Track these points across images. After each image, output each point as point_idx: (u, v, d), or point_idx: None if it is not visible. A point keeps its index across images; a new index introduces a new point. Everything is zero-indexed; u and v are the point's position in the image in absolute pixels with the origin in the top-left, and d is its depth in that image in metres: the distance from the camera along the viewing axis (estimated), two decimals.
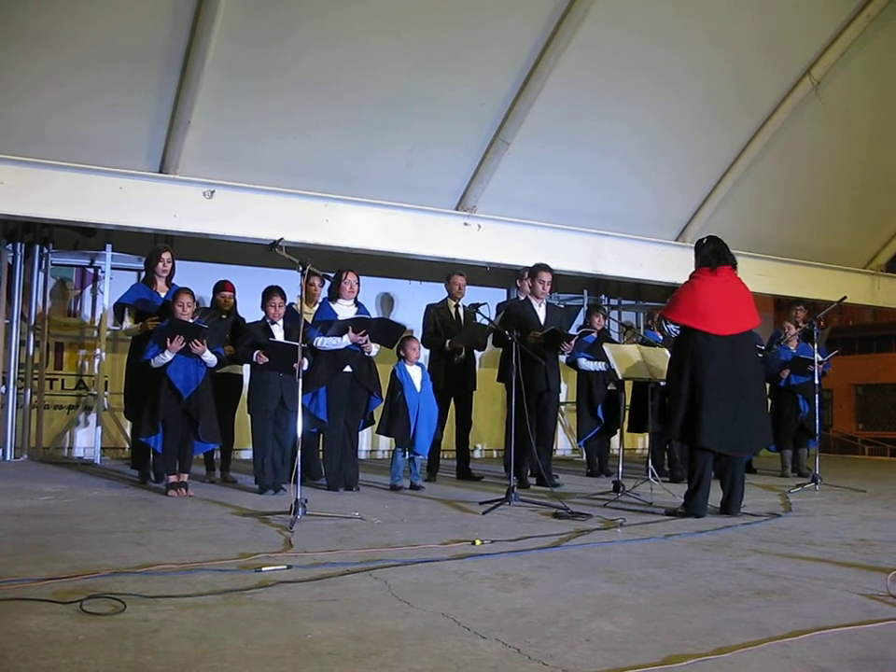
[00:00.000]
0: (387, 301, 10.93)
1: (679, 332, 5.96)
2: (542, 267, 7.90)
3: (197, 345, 6.34)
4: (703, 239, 6.20)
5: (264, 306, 6.85)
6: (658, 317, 6.12)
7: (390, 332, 7.12)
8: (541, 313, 7.84)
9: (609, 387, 8.68)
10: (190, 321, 6.49)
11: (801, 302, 10.18)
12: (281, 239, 5.61)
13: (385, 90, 8.31)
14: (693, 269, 6.16)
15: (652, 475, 7.25)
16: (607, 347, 7.45)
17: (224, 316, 7.29)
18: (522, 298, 8.31)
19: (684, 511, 5.92)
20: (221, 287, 7.52)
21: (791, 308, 10.11)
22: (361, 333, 6.76)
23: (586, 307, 11.40)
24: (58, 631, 2.81)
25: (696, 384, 5.79)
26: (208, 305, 7.96)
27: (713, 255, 6.00)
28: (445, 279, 8.50)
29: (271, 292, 6.87)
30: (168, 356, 6.28)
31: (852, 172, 11.12)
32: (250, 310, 7.35)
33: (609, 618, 3.14)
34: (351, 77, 8.08)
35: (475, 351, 8.39)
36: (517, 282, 8.69)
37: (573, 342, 7.75)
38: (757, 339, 9.40)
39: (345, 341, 6.75)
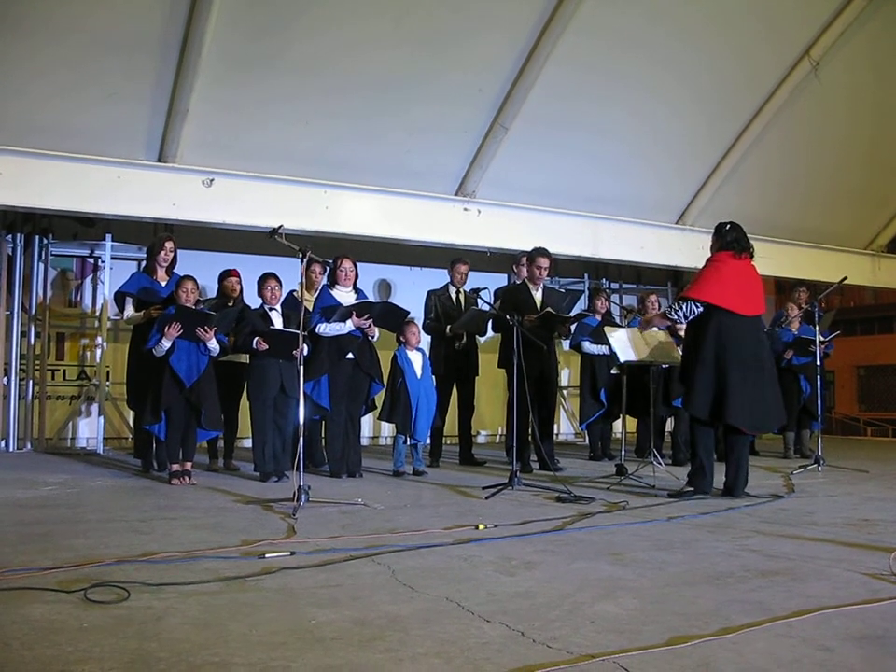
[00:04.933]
0: (385, 287, 10.92)
1: (699, 314, 5.98)
2: (540, 252, 7.88)
3: (205, 332, 6.35)
4: (726, 224, 6.21)
5: (260, 292, 6.88)
6: (680, 298, 6.13)
7: (393, 316, 7.12)
8: (538, 297, 7.83)
9: (612, 371, 8.67)
10: (195, 308, 6.50)
11: (803, 284, 10.14)
12: (281, 226, 5.59)
13: (384, 76, 8.27)
14: (711, 252, 6.22)
15: (655, 458, 7.25)
16: (608, 331, 7.44)
17: (230, 304, 7.28)
18: (519, 282, 8.28)
19: (691, 489, 5.99)
20: (227, 273, 7.51)
21: (793, 290, 10.09)
22: (365, 317, 6.77)
23: (588, 291, 11.41)
24: (62, 619, 2.81)
25: (722, 361, 5.85)
26: (209, 294, 7.96)
27: (736, 242, 6.08)
28: (449, 266, 8.49)
29: (266, 277, 6.91)
30: (166, 343, 6.28)
31: (852, 153, 11.08)
32: (250, 298, 7.36)
33: (612, 600, 3.15)
34: (350, 64, 8.04)
35: (477, 336, 8.38)
36: (514, 266, 8.68)
37: (571, 325, 7.74)
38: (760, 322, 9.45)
39: (349, 326, 6.75)
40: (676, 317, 6.14)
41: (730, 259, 6.05)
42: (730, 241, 6.08)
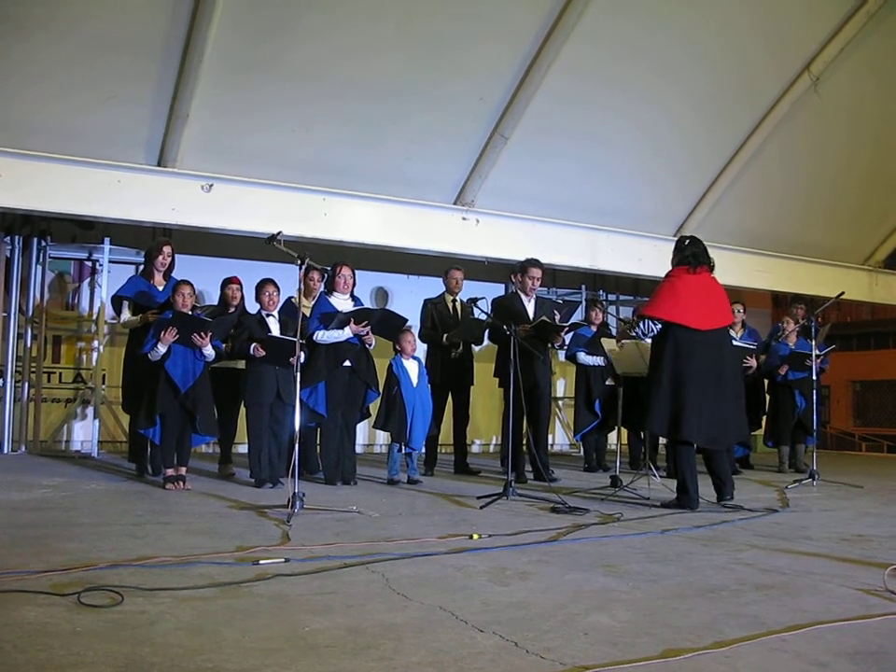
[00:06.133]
0: (382, 295, 10.94)
1: (658, 330, 6.01)
2: (532, 263, 7.89)
3: (200, 338, 6.34)
4: (685, 239, 6.27)
5: (258, 297, 6.89)
6: (637, 316, 6.18)
7: (391, 324, 7.13)
8: (530, 307, 7.85)
9: (607, 382, 8.67)
10: (191, 314, 6.49)
11: (801, 300, 10.15)
12: (279, 233, 5.59)
13: (384, 83, 8.28)
14: (671, 266, 6.25)
15: (650, 470, 7.24)
16: (605, 342, 7.44)
17: (231, 311, 7.28)
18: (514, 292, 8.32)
19: (678, 503, 6.04)
20: (228, 280, 7.50)
21: (790, 305, 10.11)
22: (363, 325, 6.77)
23: (585, 302, 11.42)
24: (55, 623, 2.80)
25: (678, 378, 5.89)
26: (208, 300, 7.94)
27: (693, 257, 6.12)
28: (443, 274, 8.50)
29: (264, 283, 6.92)
30: (161, 348, 6.27)
31: (852, 168, 11.10)
32: (248, 304, 7.37)
33: (606, 612, 3.14)
34: (350, 70, 8.05)
35: (472, 345, 8.39)
36: (512, 276, 8.75)
37: (565, 333, 7.76)
38: (756, 335, 9.48)
39: (347, 333, 6.75)
40: (634, 334, 6.19)
41: (685, 274, 6.08)
42: (686, 255, 6.13)
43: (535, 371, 7.56)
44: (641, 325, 6.05)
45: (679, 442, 6.00)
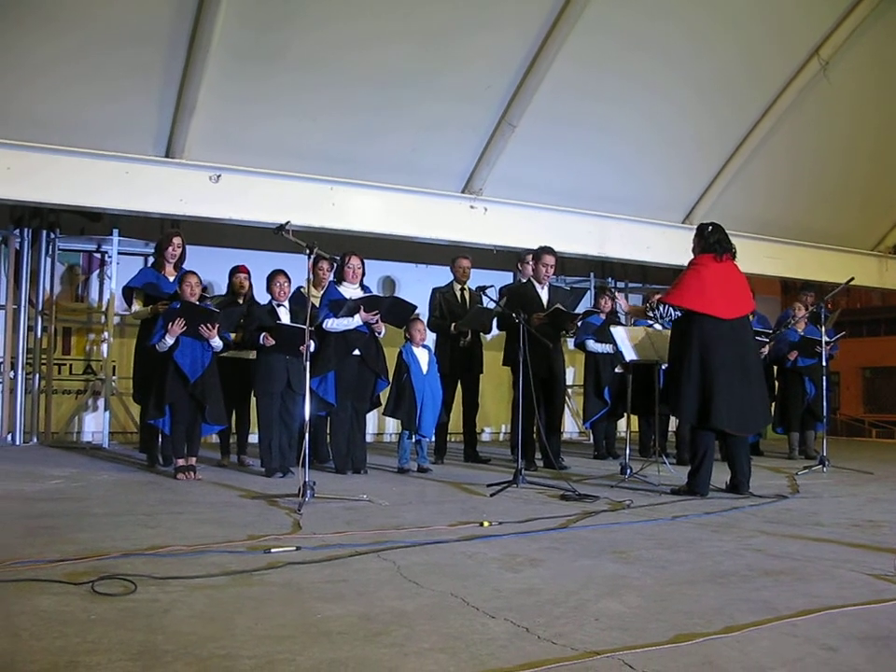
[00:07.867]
0: (390, 284, 10.95)
1: (676, 315, 6.00)
2: (546, 250, 7.90)
3: (208, 329, 6.35)
4: (707, 226, 6.22)
5: (269, 287, 6.90)
6: (658, 302, 6.16)
7: (401, 311, 7.13)
8: (544, 295, 7.85)
9: (616, 370, 8.66)
10: (200, 304, 6.51)
11: (810, 288, 10.12)
12: (288, 222, 5.60)
13: (391, 72, 8.27)
14: (693, 254, 6.23)
15: (661, 457, 7.25)
16: (614, 330, 7.44)
17: (240, 301, 7.29)
18: (524, 280, 8.33)
19: (687, 489, 6.04)
20: (236, 269, 7.52)
21: (800, 293, 10.08)
22: (373, 313, 6.78)
23: (593, 290, 11.40)
24: (70, 611, 2.83)
25: (707, 367, 5.89)
26: (217, 290, 7.95)
27: (718, 244, 6.10)
28: (450, 262, 8.50)
29: (275, 273, 6.94)
30: (169, 339, 6.27)
31: (860, 153, 11.06)
32: (257, 294, 7.39)
33: (617, 598, 3.15)
34: (357, 60, 8.04)
35: (481, 334, 8.39)
36: (518, 265, 8.77)
37: (578, 321, 7.77)
38: (765, 322, 9.45)
39: (357, 320, 6.77)
40: (652, 315, 6.19)
41: (711, 262, 6.07)
42: (712, 243, 6.11)
43: (549, 359, 7.56)
44: (661, 308, 6.04)
45: (709, 429, 6.02)
